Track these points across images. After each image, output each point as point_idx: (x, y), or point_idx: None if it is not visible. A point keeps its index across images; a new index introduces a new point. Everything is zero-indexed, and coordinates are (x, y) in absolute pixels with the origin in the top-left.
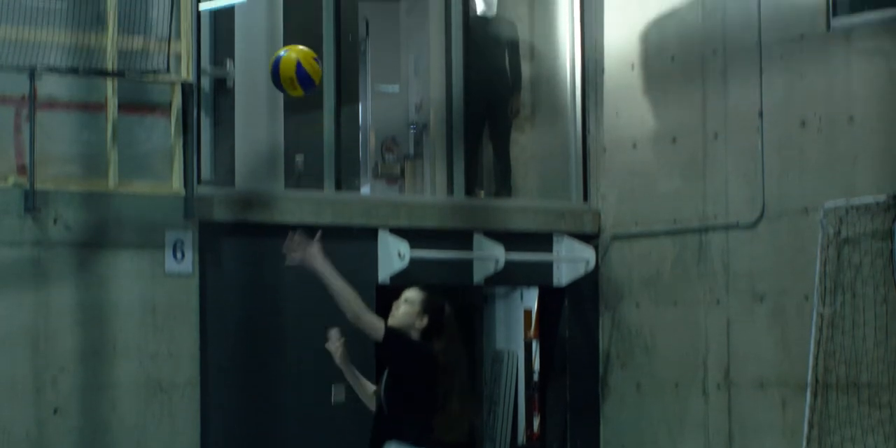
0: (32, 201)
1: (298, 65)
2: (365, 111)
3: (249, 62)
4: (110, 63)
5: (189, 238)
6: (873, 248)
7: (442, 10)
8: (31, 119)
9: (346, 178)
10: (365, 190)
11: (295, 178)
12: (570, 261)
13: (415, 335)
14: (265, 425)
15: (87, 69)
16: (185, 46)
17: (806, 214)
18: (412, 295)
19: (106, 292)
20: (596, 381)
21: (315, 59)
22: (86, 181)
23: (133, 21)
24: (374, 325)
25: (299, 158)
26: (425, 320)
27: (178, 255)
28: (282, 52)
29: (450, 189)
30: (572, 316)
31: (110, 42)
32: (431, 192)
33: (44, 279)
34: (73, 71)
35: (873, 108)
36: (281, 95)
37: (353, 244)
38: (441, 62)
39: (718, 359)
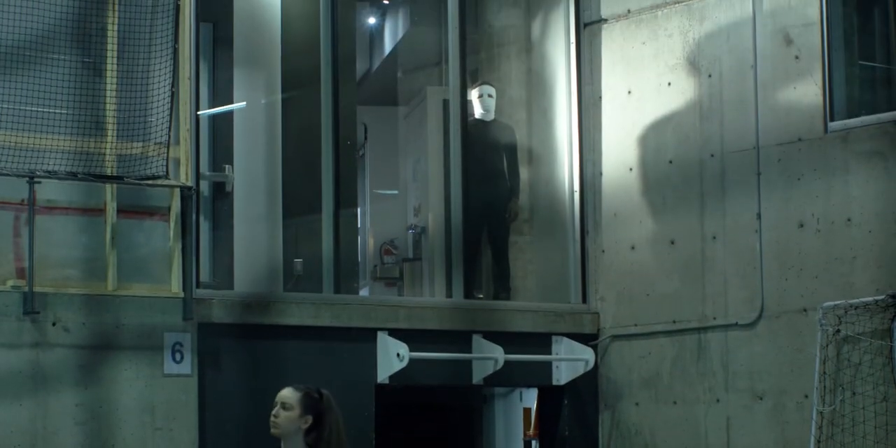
0: (31, 304)
1: None
2: (364, 215)
3: (248, 167)
4: (109, 168)
5: (188, 339)
6: (872, 346)
7: (440, 114)
8: (31, 223)
9: (344, 280)
10: (364, 292)
11: (294, 282)
12: (569, 361)
13: (297, 441)
14: None
15: (86, 174)
16: (183, 151)
17: (805, 314)
18: (288, 396)
19: (105, 393)
20: None
21: None
22: (85, 284)
23: (132, 126)
24: None
25: (298, 262)
26: (309, 419)
27: (177, 356)
28: None
29: (448, 291)
30: (572, 415)
31: (109, 147)
32: (430, 294)
33: (42, 381)
34: (73, 176)
35: (871, 208)
36: (280, 200)
37: (352, 345)
38: (439, 166)
39: None
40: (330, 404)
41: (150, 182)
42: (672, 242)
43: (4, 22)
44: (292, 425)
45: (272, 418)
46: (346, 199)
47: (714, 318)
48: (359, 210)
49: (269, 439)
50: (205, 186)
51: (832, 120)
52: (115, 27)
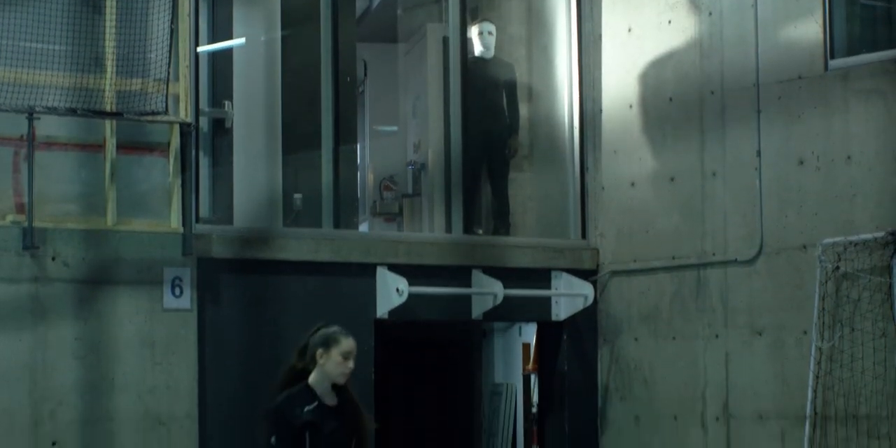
0: (31, 239)
1: None
2: (363, 150)
3: (248, 103)
4: (109, 104)
5: (187, 274)
6: (872, 283)
7: (440, 51)
8: (30, 159)
9: (344, 216)
10: (363, 228)
11: (293, 217)
12: (568, 296)
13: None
14: None
15: (86, 110)
16: (183, 87)
17: (804, 251)
18: (354, 345)
19: (104, 328)
20: (594, 413)
21: None
22: (84, 219)
23: (132, 63)
24: None
25: (297, 198)
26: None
27: (177, 291)
28: None
29: (448, 227)
30: (571, 350)
31: (109, 83)
32: (430, 229)
33: (42, 315)
34: (72, 112)
35: (871, 146)
36: (279, 136)
37: (351, 280)
38: (439, 103)
39: (717, 392)
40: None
41: (149, 118)
42: (672, 179)
43: None
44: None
45: (349, 370)
46: (345, 135)
47: (713, 255)
48: (358, 146)
49: (268, 373)
50: (204, 122)
51: (832, 58)
52: None
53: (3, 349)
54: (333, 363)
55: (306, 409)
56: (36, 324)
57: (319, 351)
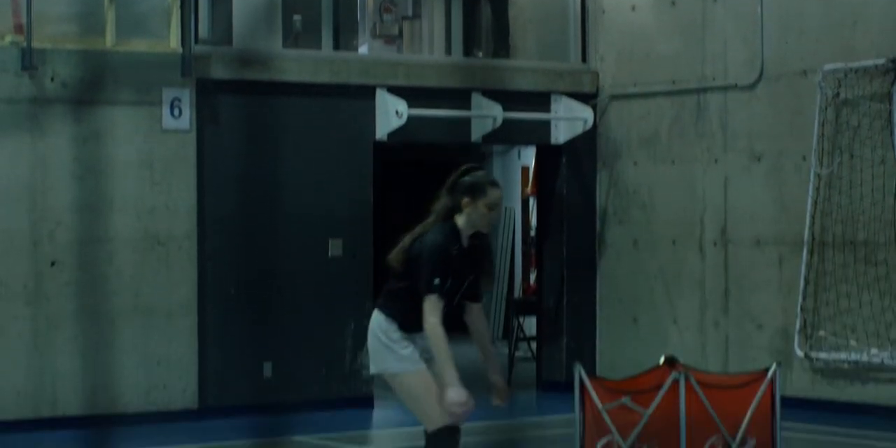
0: (30, 59)
1: None
2: None
3: None
4: None
5: (186, 95)
6: (872, 109)
7: None
8: None
9: (343, 38)
10: (363, 50)
11: (293, 39)
12: (567, 120)
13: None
14: (262, 276)
15: None
16: None
17: (804, 76)
18: (501, 196)
19: (103, 148)
20: (593, 237)
21: None
22: (83, 40)
23: None
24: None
25: (297, 19)
26: None
27: (176, 111)
28: None
29: (448, 49)
30: (570, 173)
31: None
32: (429, 51)
33: (41, 135)
34: None
35: None
36: None
37: (350, 102)
38: None
39: (716, 217)
40: None
41: None
42: (673, 3)
43: None
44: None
45: (493, 221)
46: None
47: (713, 79)
48: None
49: (265, 194)
50: None
51: None
52: None
53: (3, 170)
54: (479, 214)
55: (454, 249)
56: (35, 144)
57: (466, 199)
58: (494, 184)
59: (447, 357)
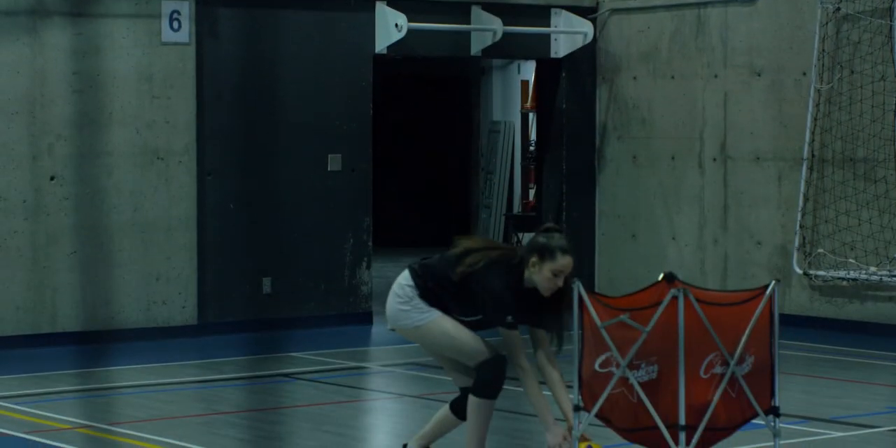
0: None
1: None
2: None
3: None
4: None
5: (186, 8)
6: (872, 25)
7: None
8: None
9: None
10: None
11: None
12: (567, 33)
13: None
14: (262, 191)
15: None
16: None
17: None
18: (570, 264)
19: (102, 61)
20: (592, 152)
21: None
22: None
23: None
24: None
25: None
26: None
27: (175, 24)
28: None
29: None
30: (569, 88)
31: None
32: None
33: (40, 49)
34: None
35: None
36: None
37: (350, 15)
38: None
39: (715, 132)
40: None
41: None
42: None
43: None
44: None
45: (554, 287)
46: None
47: None
48: None
49: (264, 108)
50: None
51: None
52: None
53: (1, 83)
54: (543, 277)
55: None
56: (33, 57)
57: (534, 259)
58: (566, 251)
59: (535, 400)
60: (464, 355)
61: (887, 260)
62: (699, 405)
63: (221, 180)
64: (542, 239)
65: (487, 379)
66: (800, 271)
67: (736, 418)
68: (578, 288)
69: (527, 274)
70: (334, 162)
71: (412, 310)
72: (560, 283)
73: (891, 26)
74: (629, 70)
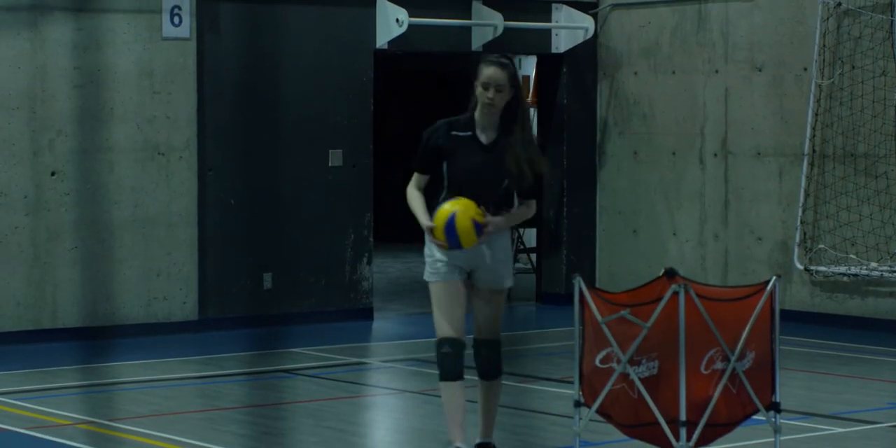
0: None
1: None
2: None
3: None
4: None
5: (186, 3)
6: (873, 20)
7: None
8: None
9: None
10: None
11: None
12: (568, 29)
13: (496, 118)
14: (262, 187)
15: None
16: None
17: None
18: (501, 77)
19: (103, 56)
20: (593, 148)
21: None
22: None
23: None
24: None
25: None
26: (513, 91)
27: (176, 19)
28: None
29: None
30: (570, 83)
31: None
32: None
33: (41, 44)
34: None
35: None
36: None
37: (351, 10)
38: None
39: (716, 128)
40: (516, 71)
41: None
42: None
43: None
44: (503, 103)
45: (488, 100)
46: None
47: None
48: None
49: (265, 103)
50: None
51: None
52: None
53: (2, 78)
54: (478, 93)
55: (453, 133)
56: (34, 52)
57: (475, 82)
58: (489, 62)
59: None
60: (434, 322)
61: (888, 255)
62: (700, 401)
63: (222, 176)
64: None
65: (437, 360)
66: (800, 267)
67: (737, 414)
68: (579, 283)
69: (477, 110)
70: (335, 157)
71: (428, 263)
72: (490, 95)
73: (892, 21)
74: (630, 65)
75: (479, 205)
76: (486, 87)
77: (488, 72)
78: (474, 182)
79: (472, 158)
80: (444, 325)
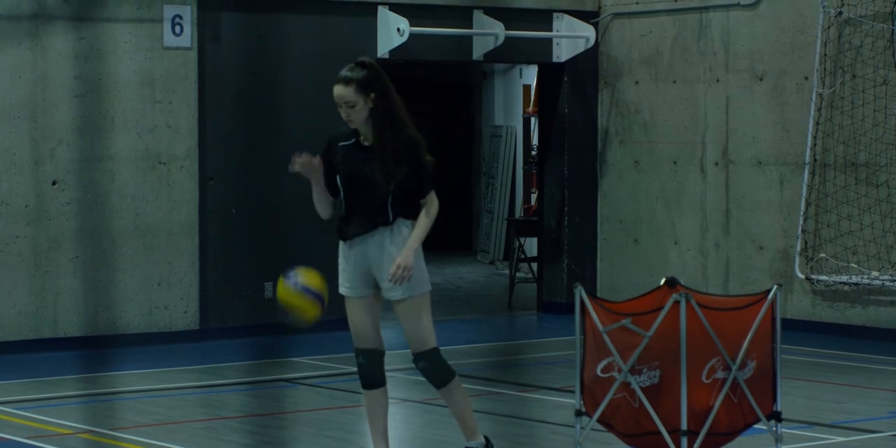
0: None
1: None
2: None
3: None
4: None
5: (188, 12)
6: (874, 29)
7: None
8: None
9: None
10: None
11: None
12: (569, 38)
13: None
14: (263, 196)
15: None
16: None
17: None
18: (346, 94)
19: (104, 66)
20: (594, 157)
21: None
22: None
23: None
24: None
25: None
26: (372, 96)
27: (177, 29)
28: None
29: None
30: (571, 92)
31: None
32: None
33: (42, 53)
34: None
35: None
36: None
37: (352, 19)
38: None
39: (717, 137)
40: (376, 71)
41: None
42: None
43: None
44: (364, 113)
45: (345, 117)
46: None
47: None
48: None
49: (266, 112)
50: None
51: None
52: None
53: (3, 88)
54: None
55: (340, 144)
56: (35, 62)
57: None
58: (337, 80)
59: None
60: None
61: (889, 264)
62: (701, 410)
63: (223, 185)
64: None
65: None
66: (801, 276)
67: (738, 423)
68: (580, 292)
69: None
70: None
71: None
72: (344, 113)
73: (892, 30)
74: (631, 74)
75: (382, 207)
76: (338, 105)
77: (335, 91)
78: (362, 185)
79: (356, 164)
80: (357, 338)
